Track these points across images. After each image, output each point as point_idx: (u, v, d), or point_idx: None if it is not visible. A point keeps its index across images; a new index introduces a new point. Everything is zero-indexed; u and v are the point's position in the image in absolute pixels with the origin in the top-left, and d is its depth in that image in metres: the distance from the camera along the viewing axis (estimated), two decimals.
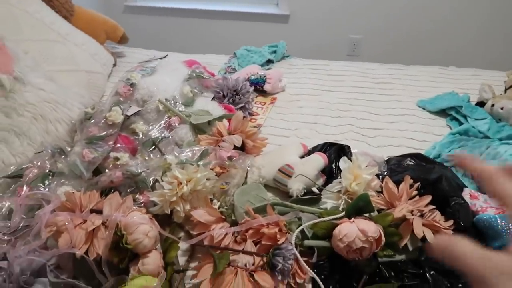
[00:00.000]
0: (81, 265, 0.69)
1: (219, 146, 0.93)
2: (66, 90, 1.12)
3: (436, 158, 1.03)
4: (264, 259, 0.70)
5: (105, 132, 0.97)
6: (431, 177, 0.86)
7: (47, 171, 0.86)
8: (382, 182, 0.83)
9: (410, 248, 0.74)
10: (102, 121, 0.99)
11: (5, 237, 0.71)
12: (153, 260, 0.69)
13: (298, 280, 0.70)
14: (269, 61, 1.61)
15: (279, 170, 0.91)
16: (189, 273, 0.75)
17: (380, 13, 2.44)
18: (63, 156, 0.91)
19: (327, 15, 2.51)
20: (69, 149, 0.95)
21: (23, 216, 0.74)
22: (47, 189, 0.80)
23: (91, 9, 1.63)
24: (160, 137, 0.98)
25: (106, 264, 0.69)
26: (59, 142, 0.99)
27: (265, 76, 1.36)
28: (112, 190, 0.82)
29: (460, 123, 1.19)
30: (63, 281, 0.66)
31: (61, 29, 1.33)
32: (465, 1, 2.32)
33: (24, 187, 0.80)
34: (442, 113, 1.26)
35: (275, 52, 1.64)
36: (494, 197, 0.28)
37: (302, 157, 0.97)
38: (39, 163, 0.87)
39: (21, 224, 0.73)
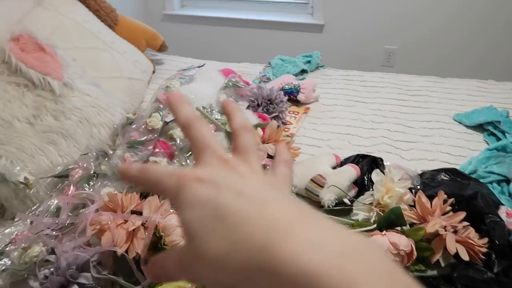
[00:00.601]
0: (121, 263, 0.73)
1: None
2: (109, 96, 1.18)
3: (472, 174, 1.01)
4: None
5: (145, 137, 1.01)
6: (466, 193, 0.85)
7: (92, 172, 0.91)
8: (415, 196, 0.83)
9: (442, 264, 0.74)
10: (143, 126, 1.04)
11: (53, 232, 0.76)
12: None
13: None
14: (303, 71, 1.63)
15: (311, 180, 0.93)
16: None
17: (416, 24, 2.41)
18: (106, 159, 0.96)
19: (362, 25, 2.51)
20: (111, 152, 1.00)
21: (69, 214, 0.79)
22: (91, 190, 0.85)
23: (132, 18, 1.71)
24: None
25: (144, 263, 0.72)
26: (102, 145, 1.05)
27: (299, 86, 1.38)
28: (151, 193, 0.86)
29: (498, 139, 1.16)
30: (104, 277, 0.70)
31: (107, 37, 1.40)
32: (507, 13, 2.26)
33: (71, 187, 0.86)
34: (479, 128, 1.23)
35: (309, 62, 1.65)
36: (192, 143, 0.28)
37: (334, 167, 0.98)
38: (84, 165, 0.92)
39: (68, 221, 0.78)
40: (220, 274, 0.22)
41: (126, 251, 0.72)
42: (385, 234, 0.71)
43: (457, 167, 1.02)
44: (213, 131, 1.05)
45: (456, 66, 2.44)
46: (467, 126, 1.25)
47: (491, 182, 0.99)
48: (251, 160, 0.27)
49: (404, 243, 0.69)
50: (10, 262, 0.73)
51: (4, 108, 0.96)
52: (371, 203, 0.83)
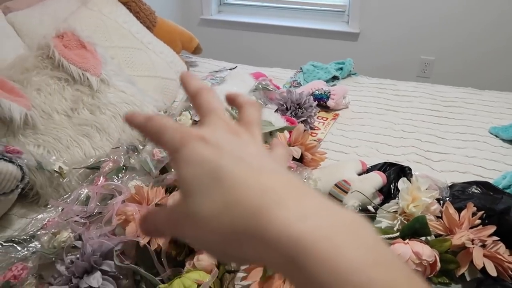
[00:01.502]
0: (143, 254, 0.75)
1: None
2: (143, 94, 1.23)
3: (506, 189, 0.97)
4: None
5: None
6: (497, 208, 0.82)
7: (121, 165, 0.94)
8: (442, 207, 0.81)
9: (468, 278, 0.71)
10: None
11: (82, 220, 0.79)
12: (208, 257, 0.73)
13: None
14: (335, 78, 1.62)
15: (336, 185, 0.92)
16: (240, 274, 0.78)
17: (454, 34, 2.34)
18: (135, 153, 0.99)
19: (398, 35, 2.46)
20: (141, 147, 1.03)
21: (97, 203, 0.83)
22: (120, 182, 0.89)
23: (170, 21, 1.76)
24: None
25: (165, 256, 0.74)
26: (133, 140, 1.09)
27: (329, 92, 1.37)
28: (176, 188, 0.88)
29: None
30: (126, 266, 0.73)
31: (145, 38, 1.46)
32: None
33: (101, 178, 0.89)
34: None
35: (341, 69, 1.64)
36: (199, 109, 0.28)
37: (360, 174, 0.97)
38: (115, 158, 0.96)
39: (95, 210, 0.81)
40: (208, 234, 0.22)
41: (149, 243, 0.74)
42: (407, 243, 0.69)
43: (491, 181, 0.98)
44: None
45: (495, 79, 2.34)
46: (503, 140, 1.20)
47: None
48: (254, 131, 0.28)
49: (428, 253, 0.67)
50: (40, 245, 0.77)
51: (45, 100, 1.02)
52: (395, 211, 0.81)
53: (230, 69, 1.41)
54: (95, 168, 0.96)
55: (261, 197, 0.21)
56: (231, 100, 0.31)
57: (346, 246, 0.19)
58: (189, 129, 0.25)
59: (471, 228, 0.76)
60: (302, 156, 0.98)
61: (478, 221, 0.76)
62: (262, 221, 0.20)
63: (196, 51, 1.77)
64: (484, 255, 0.71)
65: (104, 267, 0.71)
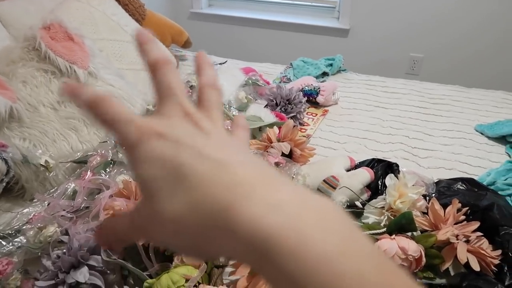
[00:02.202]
0: (130, 248, 0.75)
1: (267, 151, 0.96)
2: (131, 87, 1.21)
3: (490, 186, 0.99)
4: None
5: None
6: (481, 204, 0.83)
7: (109, 159, 0.93)
8: (428, 203, 0.82)
9: (452, 273, 0.72)
10: None
11: (68, 215, 0.78)
12: None
13: None
14: (325, 74, 1.62)
15: (324, 180, 0.92)
16: (228, 269, 0.78)
17: (444, 32, 2.37)
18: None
19: (388, 32, 2.48)
20: None
21: (85, 198, 0.82)
22: (107, 176, 0.88)
23: (160, 14, 1.74)
24: None
25: (153, 251, 0.74)
26: None
27: (319, 88, 1.37)
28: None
29: None
30: (113, 261, 0.72)
31: (133, 31, 1.44)
32: None
33: (88, 172, 0.88)
34: (502, 140, 1.20)
35: (331, 65, 1.65)
36: (157, 88, 0.26)
37: (348, 170, 0.98)
38: (102, 152, 0.95)
39: (83, 205, 0.81)
40: (177, 235, 0.21)
41: None
42: (394, 238, 0.70)
43: (476, 178, 1.00)
44: (229, 127, 1.06)
45: (483, 77, 2.38)
46: (489, 138, 1.22)
47: (510, 195, 0.96)
48: (214, 116, 0.26)
49: (413, 248, 0.68)
50: (25, 240, 0.76)
51: (31, 93, 1.00)
52: (382, 207, 0.82)
53: (220, 63, 1.40)
54: (82, 162, 0.95)
55: (226, 193, 0.20)
56: (198, 68, 0.29)
57: (314, 237, 0.18)
58: (145, 123, 0.23)
59: (455, 224, 0.77)
60: (291, 151, 0.98)
61: (463, 217, 0.78)
62: (231, 218, 0.19)
63: (186, 44, 1.76)
64: (468, 250, 0.73)
65: (91, 262, 0.70)
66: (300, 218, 0.19)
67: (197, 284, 0.68)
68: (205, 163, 0.21)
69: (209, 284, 0.70)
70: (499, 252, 0.73)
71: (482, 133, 1.24)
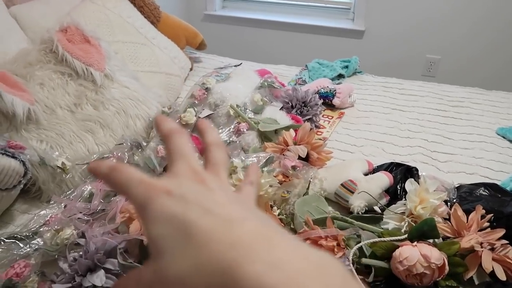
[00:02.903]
0: (146, 252, 0.74)
1: (284, 154, 0.94)
2: (146, 90, 1.21)
3: None
4: None
5: None
6: (506, 210, 0.81)
7: (125, 162, 0.93)
8: (450, 209, 0.79)
9: (476, 282, 0.70)
10: (177, 121, 1.05)
11: (85, 217, 0.78)
12: None
13: None
14: (340, 76, 1.60)
15: (342, 185, 0.91)
16: None
17: (461, 34, 2.32)
18: (139, 150, 0.98)
19: (404, 33, 2.45)
20: (145, 144, 1.02)
21: (101, 200, 0.82)
22: None
23: (174, 16, 1.75)
24: (228, 141, 1.03)
25: None
26: (137, 137, 1.08)
27: (335, 90, 1.36)
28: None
29: None
30: (129, 265, 0.72)
31: (149, 33, 1.44)
32: None
33: None
34: None
35: (347, 67, 1.63)
36: (169, 153, 0.28)
37: (366, 174, 0.96)
38: (118, 154, 0.95)
39: (99, 208, 0.80)
40: None
41: None
42: (415, 245, 0.68)
43: (498, 183, 0.97)
44: (245, 130, 1.05)
45: (503, 80, 2.33)
46: (511, 141, 1.19)
47: None
48: (221, 175, 0.28)
49: (436, 256, 0.66)
50: (42, 242, 0.76)
51: (48, 95, 1.01)
52: (402, 213, 0.80)
53: (235, 65, 1.40)
54: None
55: (231, 252, 0.21)
56: (201, 132, 0.31)
57: None
58: (154, 182, 0.24)
59: (479, 231, 0.75)
60: (308, 155, 0.96)
61: (487, 224, 0.75)
62: (235, 277, 0.20)
63: (201, 47, 1.76)
64: (493, 259, 0.70)
65: (108, 265, 0.70)
66: (301, 275, 0.20)
67: None
68: (210, 220, 0.22)
69: None
70: None
71: (504, 137, 1.21)
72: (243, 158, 0.90)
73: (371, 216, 0.84)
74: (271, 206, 0.84)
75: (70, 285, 0.67)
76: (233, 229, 0.22)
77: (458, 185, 0.95)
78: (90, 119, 1.03)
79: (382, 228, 0.79)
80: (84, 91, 1.05)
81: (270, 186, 0.82)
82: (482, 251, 0.70)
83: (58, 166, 0.92)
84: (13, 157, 0.83)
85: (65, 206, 0.83)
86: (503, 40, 2.27)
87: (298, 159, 0.93)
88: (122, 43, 1.34)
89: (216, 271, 0.21)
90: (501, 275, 0.68)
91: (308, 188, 0.91)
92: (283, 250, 0.21)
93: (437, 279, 0.68)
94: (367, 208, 0.87)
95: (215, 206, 0.23)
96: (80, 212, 0.79)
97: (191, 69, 1.65)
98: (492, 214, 0.77)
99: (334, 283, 0.20)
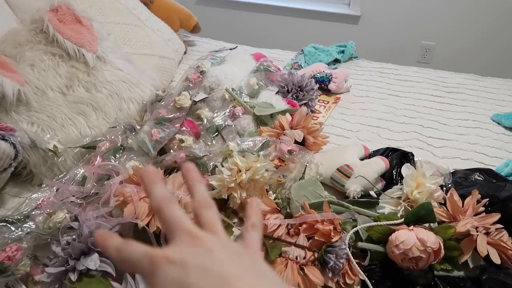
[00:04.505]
0: (141, 236, 0.73)
1: (280, 139, 0.93)
2: (140, 72, 1.19)
3: (508, 177, 0.96)
4: (316, 254, 0.70)
5: (173, 115, 1.01)
6: (501, 195, 0.81)
7: (119, 145, 0.92)
8: (446, 194, 0.79)
9: (471, 266, 0.71)
10: (171, 104, 1.04)
11: (78, 201, 0.77)
12: None
13: (348, 281, 0.69)
14: (336, 61, 1.59)
15: (338, 169, 0.90)
16: None
17: (456, 21, 2.31)
18: (133, 133, 0.96)
19: (399, 19, 2.43)
20: (139, 127, 1.01)
21: (94, 184, 0.80)
22: (117, 162, 0.86)
23: None
24: (223, 125, 1.01)
25: (164, 238, 0.72)
26: (130, 120, 1.06)
27: (331, 75, 1.34)
28: (175, 170, 0.86)
29: None
30: None
31: (142, 14, 1.41)
32: None
33: (98, 158, 0.86)
34: None
35: (343, 52, 1.61)
36: (164, 225, 0.30)
37: (362, 159, 0.95)
38: (112, 137, 0.93)
39: (92, 191, 0.79)
40: None
41: (147, 225, 0.72)
42: (412, 229, 0.68)
43: (493, 168, 0.97)
44: (241, 114, 1.03)
45: (497, 67, 2.33)
46: (506, 127, 1.19)
47: None
48: (218, 232, 0.30)
49: (432, 240, 0.66)
50: (34, 226, 0.75)
51: (39, 76, 0.98)
52: (399, 197, 0.80)
53: (230, 49, 1.37)
54: (91, 147, 0.93)
55: None
56: (189, 189, 0.33)
57: None
58: (156, 253, 0.27)
59: (475, 215, 0.75)
60: (304, 139, 0.96)
61: (482, 209, 0.76)
62: None
63: (195, 29, 1.72)
64: (488, 243, 0.71)
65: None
66: None
67: None
68: (209, 280, 0.25)
69: None
70: None
71: (499, 123, 1.21)
72: (239, 142, 0.89)
73: (367, 201, 0.84)
74: (267, 191, 0.83)
75: (63, 268, 0.66)
76: (229, 286, 0.24)
77: (453, 170, 0.95)
78: (82, 102, 1.01)
79: (378, 213, 0.79)
80: (75, 72, 1.02)
81: (266, 170, 0.81)
82: (477, 235, 0.70)
83: (49, 149, 0.90)
84: (3, 139, 0.81)
85: (57, 190, 0.81)
86: (497, 27, 2.26)
87: (294, 143, 0.93)
88: (115, 24, 1.31)
89: None
90: (496, 259, 0.69)
91: (304, 173, 0.90)
92: None
93: (432, 263, 0.68)
94: (363, 193, 0.87)
95: (214, 266, 0.26)
96: (73, 196, 0.77)
97: (185, 53, 1.63)
98: (487, 199, 0.77)
99: None
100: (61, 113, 0.97)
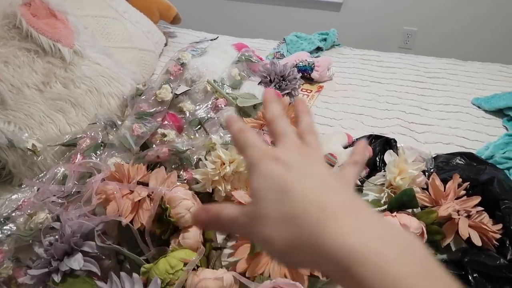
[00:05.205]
0: (125, 233, 0.73)
1: (263, 130, 0.93)
2: (119, 66, 1.17)
3: (489, 160, 0.98)
4: None
5: (154, 109, 1.00)
6: (481, 178, 0.82)
7: (99, 142, 0.90)
8: (428, 179, 0.80)
9: (453, 248, 0.72)
10: (152, 98, 1.02)
11: (59, 200, 0.75)
12: (193, 235, 0.71)
13: None
14: (319, 49, 1.58)
15: None
16: (227, 251, 0.76)
17: (437, 5, 2.32)
18: (114, 129, 0.95)
19: (381, 5, 2.43)
20: (120, 122, 0.99)
21: (75, 182, 0.79)
22: (98, 159, 0.85)
23: None
24: (206, 117, 1.00)
25: (149, 235, 0.72)
26: (111, 116, 1.04)
27: (313, 64, 1.34)
28: (158, 165, 0.85)
29: None
30: (108, 247, 0.70)
31: (119, 6, 1.38)
32: None
33: (78, 155, 0.85)
34: (499, 113, 1.18)
35: (325, 39, 1.61)
36: (274, 134, 0.32)
37: (346, 147, 0.96)
38: (92, 134, 0.91)
39: (74, 190, 0.78)
40: (273, 237, 0.25)
41: (131, 222, 0.71)
42: (395, 215, 0.69)
43: (474, 152, 0.98)
44: (223, 105, 1.02)
45: (478, 50, 2.35)
46: (486, 111, 1.20)
47: (508, 168, 0.95)
48: (320, 154, 0.31)
49: (415, 225, 0.67)
50: (15, 227, 0.73)
51: (14, 73, 0.95)
52: (382, 184, 0.81)
53: (211, 39, 1.36)
54: (71, 145, 0.92)
55: (320, 212, 0.23)
56: (297, 118, 0.34)
57: (394, 259, 0.21)
58: (267, 149, 0.29)
59: (456, 199, 0.76)
60: None
61: (463, 192, 0.77)
62: (319, 234, 0.23)
63: (175, 20, 1.70)
64: (469, 226, 0.72)
65: (85, 248, 0.68)
66: (382, 241, 0.22)
67: (195, 268, 0.66)
68: (308, 184, 0.26)
69: (208, 267, 0.69)
70: (500, 226, 0.73)
71: (479, 107, 1.22)
72: (222, 135, 0.88)
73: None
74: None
75: (46, 269, 0.65)
76: (327, 195, 0.25)
77: (435, 155, 0.96)
78: (60, 98, 0.99)
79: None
80: (52, 68, 1.00)
81: None
82: (459, 218, 0.72)
83: (28, 148, 0.88)
84: None
85: (38, 190, 0.79)
86: (478, 12, 2.28)
87: None
88: (92, 18, 1.28)
89: (304, 225, 0.24)
90: (477, 241, 0.70)
91: None
92: (369, 221, 0.23)
93: None
94: None
95: (314, 175, 0.27)
96: (54, 195, 0.76)
97: (166, 44, 1.60)
98: (468, 182, 0.78)
99: (411, 256, 0.21)
100: (39, 110, 0.95)
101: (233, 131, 0.31)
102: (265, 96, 0.34)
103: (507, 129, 1.12)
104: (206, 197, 0.83)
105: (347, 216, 0.23)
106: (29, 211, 0.74)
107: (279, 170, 0.26)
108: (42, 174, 0.84)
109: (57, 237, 0.68)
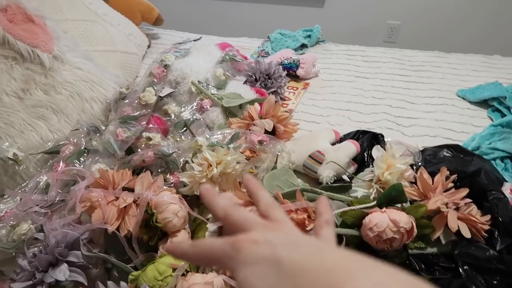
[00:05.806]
0: (112, 240, 0.71)
1: (250, 129, 0.92)
2: (102, 70, 1.14)
3: (475, 151, 0.99)
4: None
5: (139, 112, 0.98)
6: (468, 170, 0.82)
7: (83, 148, 0.88)
8: (416, 172, 0.80)
9: (443, 242, 0.72)
10: (136, 101, 1.00)
11: (42, 210, 0.74)
12: (182, 239, 0.70)
13: None
14: (303, 46, 1.58)
15: (310, 156, 0.90)
16: None
17: None
18: (98, 134, 0.93)
19: (364, 0, 2.43)
20: (103, 127, 0.97)
21: (59, 190, 0.77)
22: (82, 166, 0.83)
23: None
24: (191, 119, 0.99)
25: (136, 241, 0.70)
26: (94, 121, 1.02)
27: (298, 61, 1.33)
28: (144, 170, 0.83)
29: (503, 115, 1.12)
30: (95, 255, 0.68)
31: (99, 9, 1.35)
32: None
33: (61, 163, 0.83)
34: (484, 104, 1.19)
35: (309, 36, 1.60)
36: (235, 227, 0.30)
37: (333, 144, 0.95)
38: (75, 140, 0.89)
39: (57, 198, 0.76)
40: None
41: (118, 229, 0.69)
42: (385, 211, 0.69)
43: (460, 144, 0.99)
44: (208, 106, 1.01)
45: (461, 42, 2.37)
46: (471, 102, 1.21)
47: (494, 159, 0.96)
48: (292, 226, 0.30)
49: (405, 220, 0.66)
50: None
51: None
52: (371, 180, 0.80)
53: (194, 40, 1.34)
54: (54, 152, 0.89)
55: (330, 275, 0.22)
56: (254, 196, 0.34)
57: None
58: (237, 237, 0.27)
59: (444, 192, 0.76)
60: (274, 128, 0.95)
61: (451, 185, 0.77)
62: None
63: (157, 22, 1.67)
64: (458, 218, 0.72)
65: (71, 258, 0.66)
66: None
67: (185, 273, 0.65)
68: (300, 252, 0.24)
69: (197, 272, 0.68)
70: (488, 217, 0.73)
71: (464, 98, 1.23)
72: (208, 136, 0.87)
73: (340, 186, 0.84)
74: (240, 183, 0.82)
75: (31, 282, 0.63)
76: (326, 256, 0.23)
77: (423, 148, 0.96)
78: (41, 105, 0.96)
79: (351, 197, 0.80)
80: (31, 75, 0.97)
81: (238, 162, 0.80)
82: (448, 211, 0.72)
83: (9, 158, 0.86)
84: None
85: (20, 200, 0.77)
86: (459, 4, 2.30)
87: (264, 133, 0.91)
88: (71, 21, 1.25)
89: None
90: (466, 233, 0.70)
91: (276, 162, 0.89)
92: (383, 273, 0.22)
93: (406, 242, 0.69)
94: (335, 178, 0.87)
95: (301, 242, 0.25)
96: (37, 205, 0.74)
97: (149, 46, 1.58)
98: (455, 175, 0.78)
99: None
100: (19, 118, 0.93)
101: (184, 252, 0.30)
102: (203, 194, 0.33)
103: (492, 119, 1.13)
104: (194, 200, 0.82)
105: (359, 272, 0.22)
106: (11, 222, 0.72)
107: (263, 250, 0.25)
108: (24, 184, 0.82)
109: (41, 248, 0.67)
